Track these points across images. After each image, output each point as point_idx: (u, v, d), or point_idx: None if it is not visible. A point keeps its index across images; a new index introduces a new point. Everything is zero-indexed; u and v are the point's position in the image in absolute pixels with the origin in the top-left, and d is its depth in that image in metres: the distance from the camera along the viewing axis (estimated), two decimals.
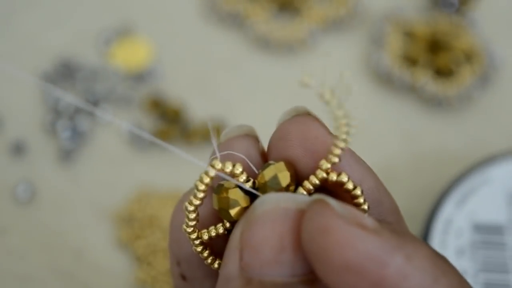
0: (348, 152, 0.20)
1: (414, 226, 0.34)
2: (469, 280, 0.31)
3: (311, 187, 0.19)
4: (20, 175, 0.38)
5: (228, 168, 0.19)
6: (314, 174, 0.19)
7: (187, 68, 0.43)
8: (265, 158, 0.21)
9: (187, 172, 0.39)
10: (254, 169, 0.20)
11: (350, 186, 0.19)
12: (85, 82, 0.41)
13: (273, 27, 0.44)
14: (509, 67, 0.43)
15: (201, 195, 0.19)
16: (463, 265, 0.31)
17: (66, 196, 0.37)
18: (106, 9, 0.45)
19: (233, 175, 0.19)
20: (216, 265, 0.20)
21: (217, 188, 0.20)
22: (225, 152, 0.20)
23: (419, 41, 0.42)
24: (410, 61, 0.42)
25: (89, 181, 0.38)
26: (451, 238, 0.32)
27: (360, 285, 0.17)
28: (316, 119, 0.20)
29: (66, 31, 0.44)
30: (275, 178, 0.19)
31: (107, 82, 0.42)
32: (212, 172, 0.19)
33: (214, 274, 0.21)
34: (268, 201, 0.18)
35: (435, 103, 0.41)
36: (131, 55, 0.43)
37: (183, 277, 0.22)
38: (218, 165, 0.19)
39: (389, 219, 0.20)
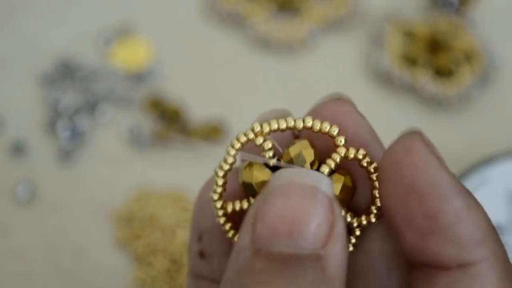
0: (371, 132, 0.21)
1: None
2: None
3: (332, 164, 0.19)
4: (20, 175, 0.38)
5: (259, 141, 0.19)
6: (336, 151, 0.20)
7: (187, 68, 0.43)
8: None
9: (187, 172, 0.39)
10: (279, 148, 0.20)
11: (367, 160, 0.20)
12: (85, 82, 0.41)
13: (272, 27, 0.44)
14: (509, 67, 0.43)
15: (230, 160, 0.20)
16: None
17: (66, 196, 0.37)
18: (106, 9, 0.45)
19: (262, 149, 0.20)
20: (236, 239, 0.21)
21: (243, 163, 0.20)
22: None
23: (419, 41, 0.42)
24: (410, 61, 0.42)
25: (89, 181, 0.38)
26: None
27: (416, 212, 0.17)
28: (348, 101, 0.21)
29: (66, 31, 0.44)
30: (299, 155, 0.20)
31: (107, 82, 0.42)
32: (243, 139, 0.19)
33: None
34: (283, 176, 0.19)
35: (434, 103, 0.41)
36: (131, 55, 0.43)
37: (202, 254, 0.22)
38: (250, 134, 0.19)
39: None
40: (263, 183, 0.19)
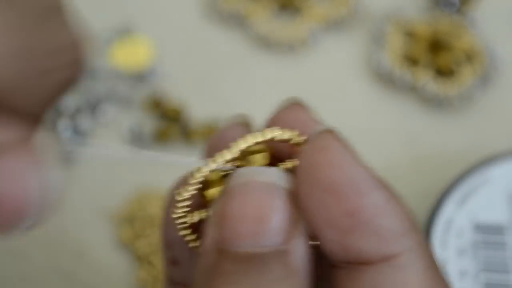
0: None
1: None
2: (471, 280, 0.31)
3: (289, 164, 0.20)
4: None
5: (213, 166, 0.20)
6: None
7: (187, 67, 0.43)
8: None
9: (187, 171, 0.39)
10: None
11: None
12: (86, 82, 0.41)
13: (273, 26, 0.44)
14: (510, 67, 0.43)
15: (187, 196, 0.20)
16: (464, 265, 0.31)
17: (67, 196, 0.37)
18: (106, 9, 0.45)
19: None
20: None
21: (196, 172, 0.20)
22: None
23: (420, 41, 0.42)
24: (411, 61, 0.42)
25: (90, 181, 0.38)
26: (452, 238, 0.32)
27: (336, 211, 0.17)
28: (305, 106, 0.21)
29: None
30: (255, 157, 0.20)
31: (108, 82, 0.42)
32: (198, 176, 0.20)
33: None
34: (242, 175, 0.19)
35: (435, 103, 0.41)
36: (132, 55, 0.43)
37: (174, 262, 0.22)
38: (204, 170, 0.20)
39: None
40: (217, 191, 0.20)
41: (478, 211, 0.33)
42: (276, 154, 0.20)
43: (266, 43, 0.43)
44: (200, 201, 0.20)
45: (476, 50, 0.42)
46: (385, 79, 0.42)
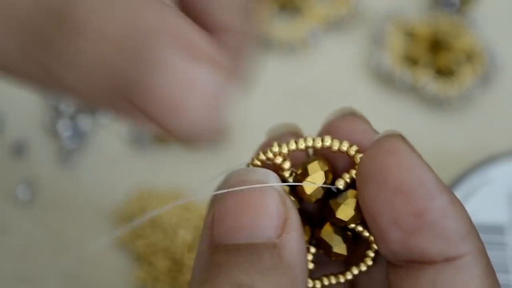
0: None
1: None
2: None
3: (347, 178, 0.20)
4: (21, 175, 0.38)
5: (279, 160, 0.20)
6: (354, 168, 0.20)
7: None
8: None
9: (187, 172, 0.39)
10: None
11: None
12: None
13: (274, 26, 0.44)
14: (510, 67, 0.42)
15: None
16: None
17: (67, 196, 0.37)
18: None
19: (281, 169, 0.20)
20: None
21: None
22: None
23: (420, 41, 0.42)
24: (411, 61, 0.42)
25: (90, 181, 0.38)
26: None
27: (403, 211, 0.18)
28: (361, 117, 0.22)
29: None
30: (315, 170, 0.20)
31: None
32: (262, 157, 0.20)
33: None
34: (231, 176, 0.19)
35: (436, 103, 0.41)
36: None
37: None
38: (270, 154, 0.20)
39: None
40: None
41: (478, 211, 0.33)
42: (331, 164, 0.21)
43: (266, 43, 0.43)
44: None
45: (476, 50, 0.42)
46: (385, 79, 0.42)
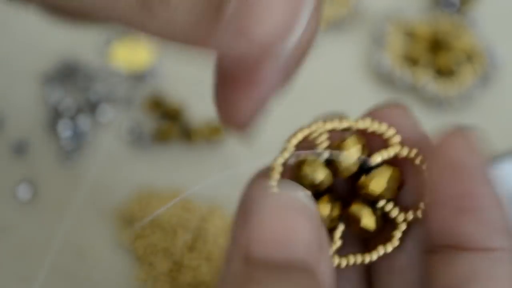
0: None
1: None
2: None
3: (385, 155, 0.21)
4: (21, 174, 0.38)
5: (319, 131, 0.21)
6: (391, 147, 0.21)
7: (187, 67, 0.43)
8: None
9: (187, 172, 0.39)
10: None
11: (419, 159, 0.21)
12: (86, 82, 0.41)
13: None
14: (510, 67, 0.43)
15: (291, 149, 0.21)
16: None
17: (67, 196, 0.37)
18: None
19: (316, 143, 0.21)
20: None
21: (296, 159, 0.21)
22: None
23: (420, 41, 0.42)
24: (411, 61, 0.42)
25: (90, 181, 0.38)
26: None
27: (459, 189, 0.19)
28: (403, 105, 0.22)
29: (67, 31, 0.44)
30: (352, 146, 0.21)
31: (108, 82, 0.42)
32: (306, 131, 0.21)
33: None
34: (267, 192, 0.19)
35: (436, 103, 0.41)
36: (132, 54, 0.43)
37: None
38: (313, 127, 0.21)
39: None
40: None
41: None
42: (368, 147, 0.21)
43: None
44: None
45: (476, 50, 0.42)
46: (385, 79, 0.42)
